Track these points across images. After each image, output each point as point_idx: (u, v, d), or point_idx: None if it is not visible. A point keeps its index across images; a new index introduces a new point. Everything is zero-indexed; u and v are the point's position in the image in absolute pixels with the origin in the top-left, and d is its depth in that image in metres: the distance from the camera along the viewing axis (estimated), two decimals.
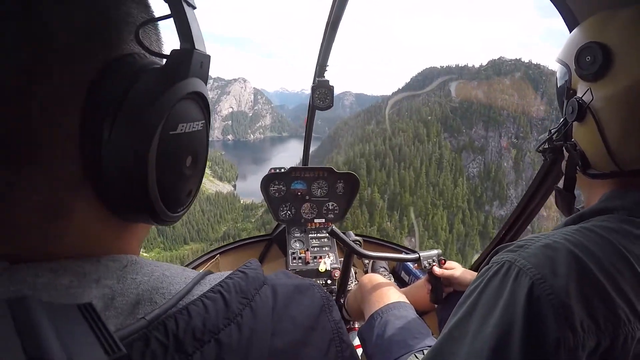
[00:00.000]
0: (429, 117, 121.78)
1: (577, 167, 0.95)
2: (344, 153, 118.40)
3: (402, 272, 2.67)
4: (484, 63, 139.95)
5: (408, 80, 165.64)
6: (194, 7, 0.42)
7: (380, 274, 2.50)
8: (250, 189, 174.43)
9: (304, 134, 3.02)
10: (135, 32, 0.39)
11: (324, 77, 2.37)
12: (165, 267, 0.47)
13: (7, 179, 0.33)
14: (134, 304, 0.39)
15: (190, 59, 0.41)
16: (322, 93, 2.38)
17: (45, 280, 0.35)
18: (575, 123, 0.92)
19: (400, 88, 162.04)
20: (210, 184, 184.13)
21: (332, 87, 2.39)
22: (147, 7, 0.42)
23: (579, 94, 0.89)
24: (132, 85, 0.37)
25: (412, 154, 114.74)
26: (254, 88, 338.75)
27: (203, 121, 0.47)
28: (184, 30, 0.40)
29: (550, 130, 1.04)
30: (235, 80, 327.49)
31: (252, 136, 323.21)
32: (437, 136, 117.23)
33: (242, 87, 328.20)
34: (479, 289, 0.72)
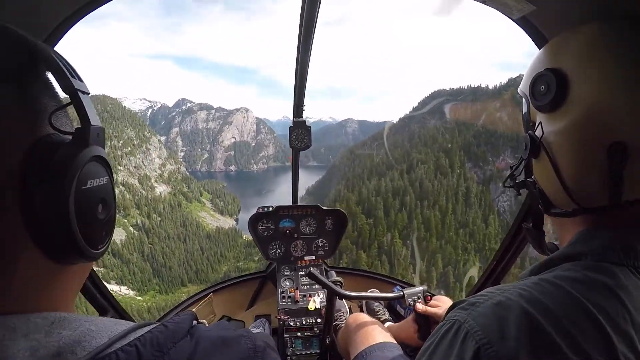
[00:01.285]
0: (449, 145, 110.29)
1: (540, 206, 0.90)
2: (354, 188, 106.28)
3: (398, 306, 2.68)
4: (504, 82, 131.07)
5: (415, 104, 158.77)
6: (88, 94, 0.55)
7: (374, 308, 2.55)
8: None
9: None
10: (48, 118, 0.51)
11: (301, 117, 2.43)
12: (95, 322, 0.52)
13: None
14: (55, 355, 0.45)
15: (88, 133, 0.53)
16: (300, 134, 2.46)
17: None
18: (533, 159, 0.87)
19: (407, 114, 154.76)
20: (211, 219, 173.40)
21: (310, 127, 2.47)
22: (57, 96, 0.54)
23: (536, 128, 0.85)
24: (52, 157, 0.49)
25: (435, 189, 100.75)
26: (256, 117, 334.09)
27: (107, 177, 0.59)
28: (82, 113, 0.54)
29: (511, 167, 1.00)
30: (237, 110, 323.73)
31: (255, 166, 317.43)
32: (461, 167, 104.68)
33: (244, 117, 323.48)
34: (431, 349, 0.70)
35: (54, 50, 0.53)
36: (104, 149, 0.58)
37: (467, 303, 0.71)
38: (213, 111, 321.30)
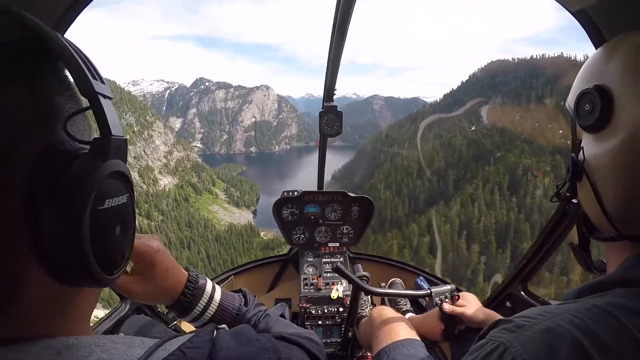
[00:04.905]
0: (561, 131, 72.28)
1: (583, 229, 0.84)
2: (400, 191, 71.46)
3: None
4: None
5: (465, 78, 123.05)
6: (111, 98, 0.47)
7: (396, 298, 2.50)
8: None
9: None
10: (63, 124, 0.43)
11: (332, 102, 2.34)
12: (106, 348, 0.46)
13: None
14: None
15: (108, 145, 0.45)
16: (330, 119, 2.36)
17: None
18: (577, 182, 0.80)
19: (455, 89, 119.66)
20: (224, 213, 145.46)
21: (341, 112, 2.37)
22: (76, 97, 0.46)
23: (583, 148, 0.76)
24: (64, 170, 0.41)
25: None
26: (277, 95, 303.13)
27: (127, 194, 0.51)
28: (102, 120, 0.45)
29: (557, 185, 0.92)
30: (257, 88, 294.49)
31: (277, 147, 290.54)
32: None
33: (265, 95, 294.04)
34: None
35: (75, 46, 0.45)
36: (125, 163, 0.51)
37: (514, 325, 0.65)
38: (232, 90, 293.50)
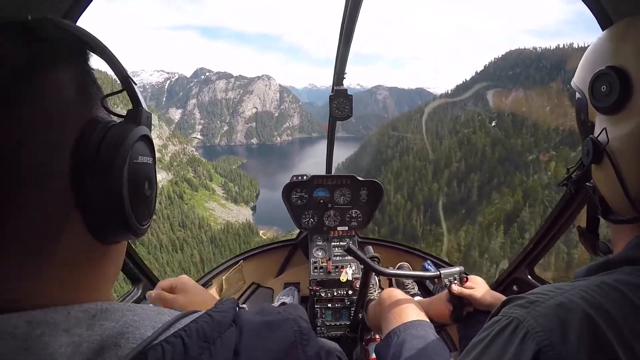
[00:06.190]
0: None
1: (598, 211, 0.83)
2: (412, 195, 60.80)
3: (427, 281, 2.67)
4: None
5: (481, 68, 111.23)
6: (136, 84, 0.57)
7: (404, 281, 2.53)
8: (273, 208, 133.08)
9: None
10: (101, 101, 0.52)
11: (342, 85, 2.34)
12: (137, 312, 0.50)
13: (16, 205, 0.40)
14: (99, 349, 0.42)
15: (140, 115, 0.55)
16: (340, 103, 2.36)
17: (22, 331, 0.40)
18: (593, 164, 0.78)
19: (467, 80, 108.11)
20: (221, 210, 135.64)
21: (351, 96, 2.36)
22: (101, 89, 0.54)
23: (596, 131, 0.75)
24: (106, 133, 0.48)
25: None
26: (279, 85, 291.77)
27: (152, 157, 0.59)
28: (134, 97, 0.56)
29: (568, 169, 0.91)
30: (258, 78, 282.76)
31: (278, 139, 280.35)
32: None
33: (266, 85, 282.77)
34: (484, 343, 0.66)
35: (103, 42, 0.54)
36: (151, 133, 0.60)
37: (526, 301, 0.66)
38: (233, 80, 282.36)
